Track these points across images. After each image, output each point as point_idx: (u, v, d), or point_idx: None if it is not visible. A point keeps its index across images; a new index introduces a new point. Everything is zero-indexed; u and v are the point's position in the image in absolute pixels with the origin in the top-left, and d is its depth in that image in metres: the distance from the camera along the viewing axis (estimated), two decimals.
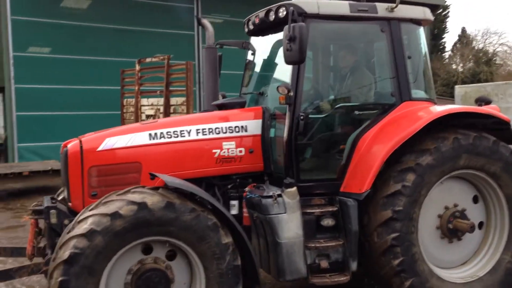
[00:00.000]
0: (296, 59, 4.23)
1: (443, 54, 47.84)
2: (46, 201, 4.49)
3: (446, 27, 46.51)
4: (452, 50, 48.65)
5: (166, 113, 9.95)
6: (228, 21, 15.85)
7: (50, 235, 4.27)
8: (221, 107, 5.11)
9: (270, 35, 5.35)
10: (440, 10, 38.04)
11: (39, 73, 13.95)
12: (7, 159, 14.20)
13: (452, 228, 4.77)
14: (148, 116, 10.50)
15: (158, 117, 10.09)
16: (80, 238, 3.49)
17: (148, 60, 10.77)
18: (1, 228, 8.61)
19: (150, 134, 4.51)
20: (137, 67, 10.80)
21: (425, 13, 5.15)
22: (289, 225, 4.29)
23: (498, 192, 4.88)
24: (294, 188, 4.39)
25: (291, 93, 4.45)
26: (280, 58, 5.10)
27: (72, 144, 4.39)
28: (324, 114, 4.90)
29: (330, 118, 4.93)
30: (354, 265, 4.51)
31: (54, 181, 11.84)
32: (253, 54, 5.68)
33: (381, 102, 5.03)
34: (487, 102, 5.39)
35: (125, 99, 11.58)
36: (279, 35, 5.01)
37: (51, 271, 3.54)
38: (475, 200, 5.02)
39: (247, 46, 5.76)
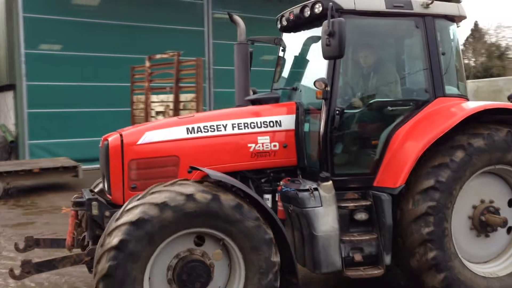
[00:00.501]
0: (335, 54, 4.29)
1: None
2: (86, 194, 4.60)
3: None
4: (464, 45, 48.19)
5: (176, 110, 9.92)
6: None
7: (91, 226, 4.40)
8: (255, 102, 5.18)
9: (303, 31, 5.41)
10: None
11: (50, 70, 14.04)
12: (18, 156, 14.31)
13: (484, 221, 4.78)
14: (158, 113, 10.48)
15: (168, 114, 10.07)
16: (130, 225, 3.60)
17: (158, 56, 10.75)
18: (12, 224, 8.65)
19: (187, 129, 4.61)
20: (147, 64, 10.78)
21: (459, 9, 5.20)
22: (325, 218, 4.36)
23: None
24: (330, 182, 4.45)
25: (328, 88, 4.51)
26: (313, 53, 5.27)
27: (113, 138, 4.49)
28: (358, 109, 4.95)
29: (364, 114, 4.97)
30: (388, 259, 4.55)
31: (63, 178, 11.91)
32: (285, 50, 5.76)
33: (414, 98, 5.10)
34: None
35: (135, 96, 11.57)
36: (313, 31, 5.14)
37: (99, 257, 3.64)
38: (510, 204, 5.01)
39: (279, 42, 5.84)
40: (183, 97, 10.05)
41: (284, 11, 5.45)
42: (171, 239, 3.77)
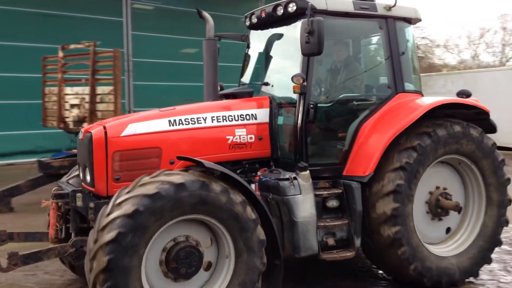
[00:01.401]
0: (314, 51, 4.62)
1: None
2: (65, 186, 4.68)
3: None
4: None
5: (92, 103, 9.49)
6: (159, 8, 15.42)
7: (74, 218, 4.46)
8: (229, 96, 5.40)
9: (274, 29, 5.67)
10: None
11: None
12: None
13: (439, 205, 5.31)
14: (72, 106, 9.97)
15: (84, 107, 9.61)
16: (125, 218, 3.68)
17: (72, 46, 10.21)
18: None
19: (169, 121, 4.74)
20: (60, 54, 10.20)
21: (416, 12, 5.72)
22: (304, 205, 4.67)
23: (479, 178, 5.46)
24: (307, 172, 4.78)
25: (305, 83, 4.80)
26: (285, 50, 5.63)
27: (97, 130, 4.50)
28: (329, 104, 5.32)
29: (334, 108, 5.36)
30: (358, 242, 4.97)
31: None
32: (253, 47, 6.02)
33: (378, 93, 5.60)
34: (468, 95, 5.83)
35: (47, 88, 10.91)
36: (285, 29, 5.45)
37: (94, 252, 3.69)
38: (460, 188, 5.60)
39: (246, 39, 6.09)
40: (100, 89, 9.61)
41: (254, 10, 5.69)
42: (164, 228, 3.90)
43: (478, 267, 5.43)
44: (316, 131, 5.17)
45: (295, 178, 4.70)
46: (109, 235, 3.65)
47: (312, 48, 4.58)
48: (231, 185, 4.16)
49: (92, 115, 9.48)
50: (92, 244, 3.78)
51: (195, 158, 4.27)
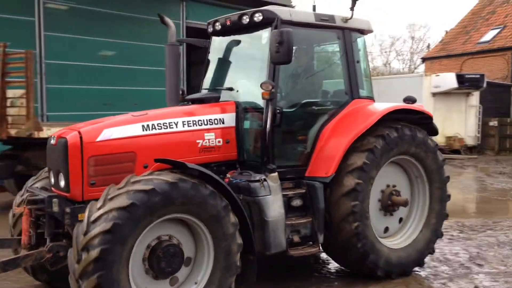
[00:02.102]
0: (284, 60, 4.88)
1: None
2: (38, 191, 4.68)
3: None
4: None
5: (2, 107, 8.93)
6: (74, 8, 14.80)
7: (50, 223, 4.49)
8: (195, 101, 5.54)
9: (237, 36, 5.92)
10: None
11: None
12: None
13: (391, 202, 5.79)
14: None
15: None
16: (120, 210, 3.82)
17: None
18: None
19: (143, 126, 4.83)
20: None
21: (368, 25, 6.14)
22: (274, 205, 4.96)
23: (424, 176, 6.01)
24: (276, 173, 5.09)
25: (273, 89, 5.01)
26: (249, 57, 5.97)
27: (72, 135, 4.49)
28: (292, 109, 5.61)
29: (296, 113, 5.68)
30: (321, 238, 5.32)
31: None
32: (214, 53, 6.22)
33: (337, 99, 5.95)
34: (413, 101, 6.34)
35: None
36: (248, 37, 5.75)
37: (85, 243, 3.77)
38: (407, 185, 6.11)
39: (207, 45, 6.29)
40: (11, 93, 9.11)
41: (218, 17, 5.92)
42: (152, 225, 4.05)
43: (423, 257, 5.98)
44: (281, 135, 5.42)
45: (264, 180, 4.97)
46: (104, 225, 3.76)
47: (282, 57, 4.83)
48: (212, 186, 4.36)
49: (2, 120, 8.92)
50: (81, 236, 3.83)
51: (177, 160, 4.45)
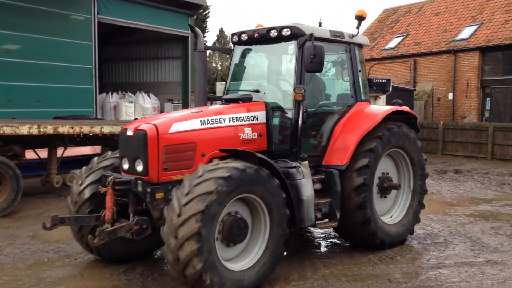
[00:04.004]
0: (317, 69, 6.01)
1: None
2: (116, 175, 5.52)
3: (207, 27, 49.09)
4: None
5: None
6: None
7: (133, 201, 5.39)
8: (230, 101, 6.46)
9: (260, 46, 6.99)
10: (201, 10, 39.82)
11: None
12: None
13: (386, 186, 7.05)
14: None
15: None
16: (208, 194, 4.82)
17: None
18: None
19: (201, 121, 5.80)
20: None
21: (366, 40, 7.49)
22: (307, 187, 6.04)
23: (409, 163, 7.34)
24: (307, 161, 6.19)
25: (305, 93, 6.02)
26: (274, 64, 7.13)
27: (150, 128, 5.42)
28: (312, 109, 6.65)
29: (316, 112, 6.79)
30: (338, 215, 6.45)
31: None
32: (239, 60, 7.14)
33: (345, 101, 7.13)
34: (400, 104, 7.61)
35: None
36: (274, 47, 6.81)
37: (181, 223, 4.74)
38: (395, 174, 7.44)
39: (231, 53, 7.21)
40: None
41: (245, 30, 6.88)
42: (228, 204, 5.07)
43: (407, 234, 7.34)
44: (305, 130, 6.45)
45: (299, 167, 6.02)
46: (198, 206, 4.75)
47: (315, 66, 5.92)
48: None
49: None
50: (175, 217, 4.79)
51: (244, 150, 5.61)
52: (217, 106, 6.41)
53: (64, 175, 11.14)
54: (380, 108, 7.24)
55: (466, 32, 25.02)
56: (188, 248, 4.71)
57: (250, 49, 7.10)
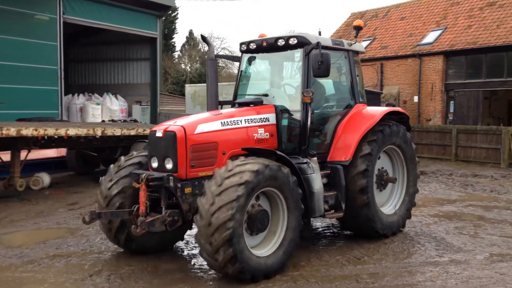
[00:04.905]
0: (324, 74, 6.57)
1: (173, 54, 50.03)
2: (147, 172, 6.12)
3: (176, 28, 48.78)
4: (181, 51, 51.26)
5: None
6: None
7: (165, 196, 5.98)
8: (243, 104, 7.09)
9: (268, 54, 7.62)
10: (170, 12, 39.54)
11: None
12: None
13: (384, 180, 7.73)
14: None
15: None
16: (239, 185, 5.44)
17: None
18: None
19: (221, 122, 6.41)
20: None
21: (362, 48, 8.22)
22: (317, 181, 6.69)
23: (402, 159, 8.07)
24: (316, 158, 6.90)
25: (313, 96, 6.70)
26: (281, 71, 7.90)
27: (178, 129, 6.04)
28: (317, 110, 7.29)
29: (321, 114, 7.45)
30: (343, 206, 7.07)
31: None
32: (247, 67, 7.78)
33: (345, 103, 7.79)
34: (393, 105, 8.43)
35: None
36: (281, 55, 7.50)
37: (214, 210, 5.34)
38: (391, 169, 8.14)
39: (239, 61, 7.83)
40: None
41: (253, 39, 7.53)
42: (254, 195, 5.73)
43: (404, 221, 8.07)
44: (313, 130, 7.07)
45: (309, 163, 6.71)
46: (232, 196, 5.36)
47: (322, 72, 6.50)
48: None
49: None
50: (209, 206, 5.39)
51: (265, 148, 6.43)
52: (234, 110, 7.01)
53: (28, 178, 10.91)
54: (377, 109, 7.94)
55: (430, 37, 25.59)
56: (221, 234, 5.30)
57: (258, 57, 7.78)
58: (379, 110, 7.70)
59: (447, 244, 7.43)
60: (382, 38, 28.31)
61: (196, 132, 6.09)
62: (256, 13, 77.87)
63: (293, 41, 7.02)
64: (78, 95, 19.98)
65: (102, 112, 19.60)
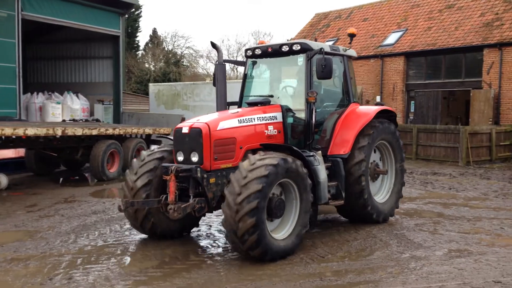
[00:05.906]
0: (327, 77, 7.45)
1: (137, 52, 49.35)
2: (175, 165, 6.78)
3: (139, 27, 48.13)
4: (144, 49, 50.63)
5: None
6: None
7: (193, 185, 6.68)
8: (252, 104, 7.87)
9: (272, 59, 8.40)
10: (133, 10, 38.99)
11: None
12: None
13: (376, 172, 8.66)
14: None
15: None
16: (262, 177, 6.17)
17: None
18: None
19: (238, 120, 7.17)
20: None
21: (355, 53, 9.02)
22: (322, 171, 7.41)
23: (391, 154, 8.97)
24: (320, 151, 7.67)
25: (317, 96, 7.49)
26: (286, 74, 8.73)
27: (203, 126, 6.76)
28: (319, 109, 8.04)
29: (321, 112, 8.19)
30: (343, 195, 7.88)
31: None
32: (253, 71, 8.61)
33: (342, 102, 8.69)
34: (382, 105, 9.16)
35: None
36: (285, 60, 8.23)
37: (242, 199, 6.07)
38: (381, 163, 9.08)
39: (245, 65, 8.63)
40: None
41: (258, 45, 8.37)
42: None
43: (393, 210, 8.96)
44: (315, 127, 7.83)
45: (315, 155, 7.43)
46: (256, 187, 6.09)
47: (325, 75, 7.38)
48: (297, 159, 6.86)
49: None
50: (236, 195, 6.13)
51: (282, 144, 7.42)
52: (248, 108, 7.69)
53: None
54: (369, 108, 8.79)
55: (392, 38, 26.13)
56: (246, 221, 6.01)
57: (263, 62, 8.56)
58: (372, 109, 8.59)
59: (407, 241, 7.60)
60: (345, 39, 28.69)
61: (218, 128, 6.84)
62: (220, 12, 77.73)
63: (296, 47, 7.82)
64: (37, 94, 19.44)
65: (63, 112, 19.13)
